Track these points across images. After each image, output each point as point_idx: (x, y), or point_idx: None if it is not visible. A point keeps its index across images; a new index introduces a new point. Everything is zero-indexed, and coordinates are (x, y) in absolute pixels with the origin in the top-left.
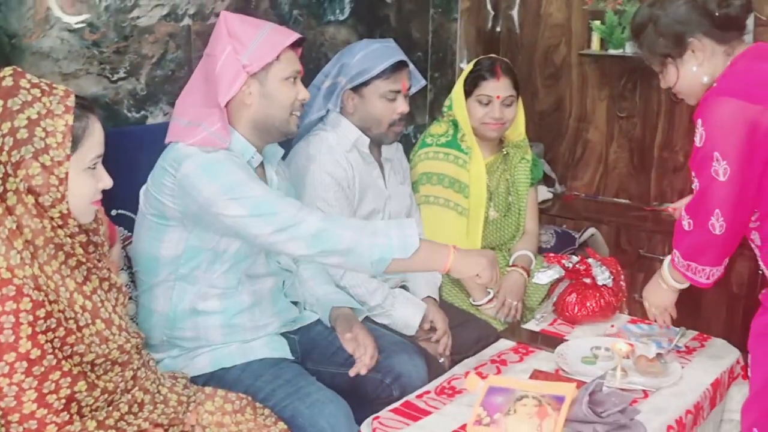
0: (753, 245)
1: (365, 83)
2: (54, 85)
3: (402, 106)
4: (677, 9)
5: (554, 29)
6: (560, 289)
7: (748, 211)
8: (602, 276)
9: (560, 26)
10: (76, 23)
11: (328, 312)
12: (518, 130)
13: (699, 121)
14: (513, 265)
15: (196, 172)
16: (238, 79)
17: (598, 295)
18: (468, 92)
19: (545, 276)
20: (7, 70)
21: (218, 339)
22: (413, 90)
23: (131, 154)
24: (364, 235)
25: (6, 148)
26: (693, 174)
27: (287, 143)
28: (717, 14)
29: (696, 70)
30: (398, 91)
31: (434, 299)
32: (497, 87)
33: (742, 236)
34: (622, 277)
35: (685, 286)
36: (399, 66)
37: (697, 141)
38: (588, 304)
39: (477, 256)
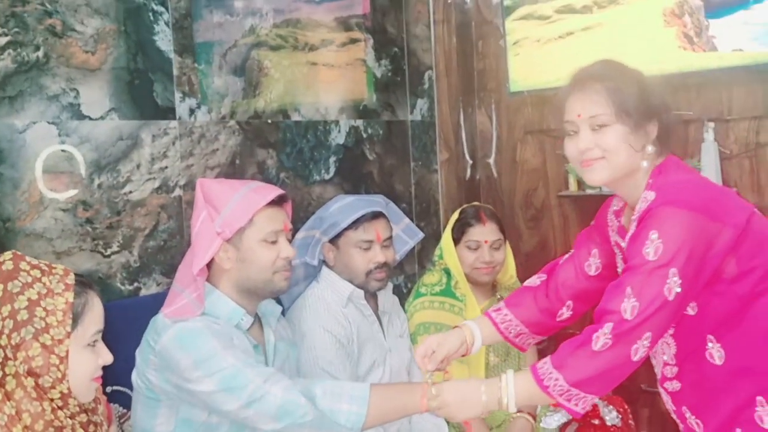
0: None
1: (339, 235)
2: (53, 265)
3: (378, 256)
4: (649, 84)
5: (531, 174)
6: None
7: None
8: (610, 416)
9: (537, 170)
10: (69, 202)
11: None
12: (509, 273)
13: (653, 233)
14: (519, 411)
15: (172, 343)
16: (212, 246)
17: None
18: (456, 240)
19: (553, 420)
20: (7, 255)
21: None
22: (412, 243)
23: (125, 328)
24: (328, 400)
25: (6, 331)
26: (628, 291)
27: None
28: (670, 113)
29: (650, 150)
30: (371, 241)
31: None
32: (484, 232)
33: None
34: (630, 415)
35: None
36: (373, 216)
37: (648, 255)
38: None
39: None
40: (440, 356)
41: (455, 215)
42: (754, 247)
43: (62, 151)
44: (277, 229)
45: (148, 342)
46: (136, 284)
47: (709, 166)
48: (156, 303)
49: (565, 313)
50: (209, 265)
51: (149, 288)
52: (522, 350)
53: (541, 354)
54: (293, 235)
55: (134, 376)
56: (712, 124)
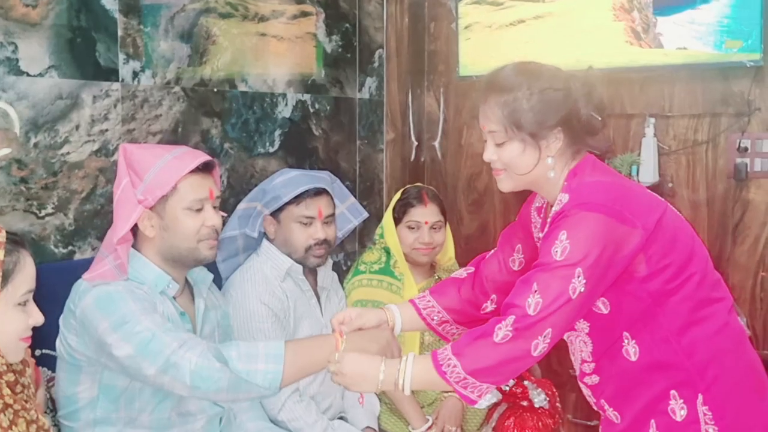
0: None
1: (281, 209)
2: None
3: (318, 232)
4: (553, 92)
5: (476, 158)
6: (498, 413)
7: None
8: (539, 398)
9: (481, 155)
10: (2, 160)
11: None
12: (448, 255)
13: (563, 233)
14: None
15: (91, 307)
16: (133, 214)
17: (536, 417)
18: (397, 219)
19: (483, 400)
20: None
21: None
22: (356, 222)
23: (57, 291)
24: (243, 362)
25: None
26: (534, 287)
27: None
28: (582, 117)
29: (551, 162)
30: (312, 217)
31: (374, 429)
32: (425, 213)
33: None
34: (558, 398)
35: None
36: (315, 193)
37: (557, 254)
38: (527, 428)
39: (368, 342)
40: (355, 326)
41: (397, 195)
42: (665, 247)
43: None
44: (201, 197)
45: (69, 307)
46: (70, 247)
47: (648, 161)
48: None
49: (489, 306)
50: (134, 232)
51: (84, 252)
52: (446, 340)
53: None
54: (235, 206)
55: (58, 343)
56: (653, 120)
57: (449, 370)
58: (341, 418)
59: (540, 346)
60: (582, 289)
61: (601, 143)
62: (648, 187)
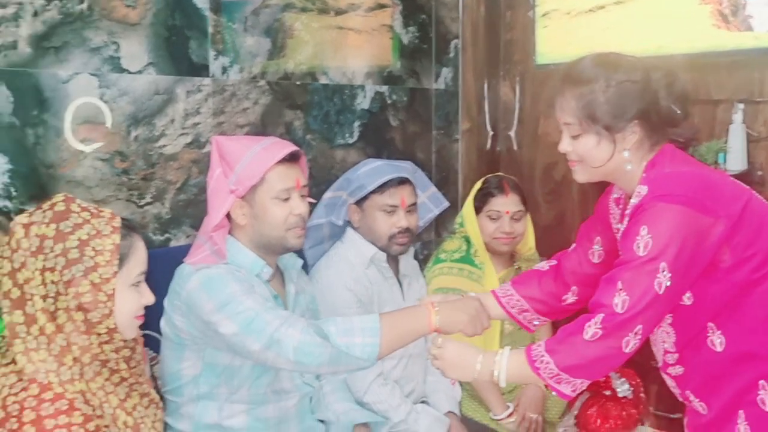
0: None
1: (365, 197)
2: (101, 209)
3: (401, 221)
4: (631, 84)
5: (552, 148)
6: (580, 402)
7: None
8: (622, 388)
9: (557, 145)
10: (107, 153)
11: (350, 431)
12: (528, 245)
13: (644, 228)
14: None
15: (197, 289)
16: (226, 203)
17: (619, 407)
18: (478, 209)
19: None
20: (59, 197)
21: None
22: (437, 211)
23: (155, 276)
24: (342, 337)
25: (58, 267)
26: (620, 285)
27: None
28: (663, 109)
29: (627, 156)
30: (395, 206)
31: (455, 414)
32: (506, 203)
33: None
34: (642, 388)
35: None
36: (398, 182)
37: (640, 250)
38: (610, 417)
39: (459, 312)
40: None
41: (478, 184)
42: (750, 235)
43: (95, 103)
44: (288, 187)
45: (174, 290)
46: (166, 235)
47: (736, 148)
48: (185, 254)
49: (570, 297)
50: (229, 219)
51: (179, 239)
52: (528, 330)
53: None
54: (321, 195)
55: (163, 323)
56: (741, 106)
57: (542, 367)
58: (423, 401)
59: (631, 342)
60: (668, 283)
61: (686, 132)
62: (736, 176)
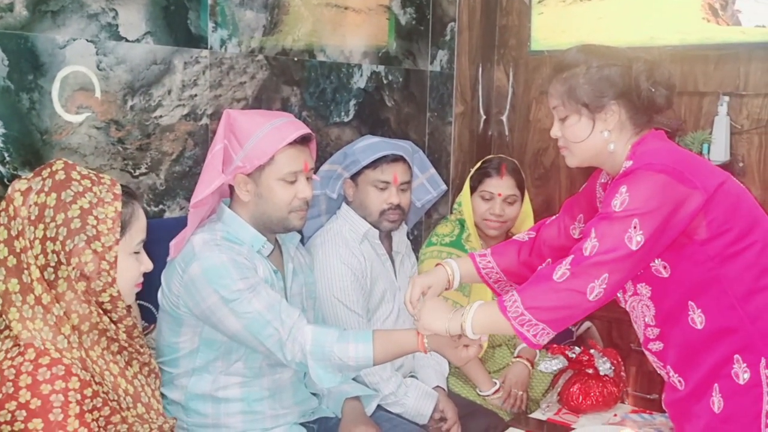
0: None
1: (359, 172)
2: (101, 175)
3: (393, 197)
4: (610, 68)
5: (543, 133)
6: (564, 379)
7: (624, 285)
8: (604, 367)
9: (549, 131)
10: (103, 122)
11: (341, 404)
12: (525, 229)
13: (623, 187)
14: (518, 357)
15: (200, 277)
16: (215, 182)
17: (601, 385)
18: (473, 188)
19: (550, 365)
20: (59, 164)
21: (239, 426)
22: (434, 194)
23: (149, 246)
24: (338, 347)
25: (60, 237)
26: (593, 234)
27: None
28: (643, 92)
29: (606, 135)
30: (388, 182)
31: (443, 389)
32: (500, 185)
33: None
34: (623, 367)
35: (476, 338)
36: (393, 159)
37: (616, 206)
38: (592, 394)
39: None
40: (424, 294)
41: (478, 164)
42: (727, 212)
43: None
44: (296, 170)
45: (176, 267)
46: (161, 206)
47: (720, 139)
48: (179, 226)
49: None
50: (232, 194)
51: (173, 211)
52: (498, 295)
53: None
54: (316, 173)
55: (160, 296)
56: (726, 98)
57: (509, 305)
58: (412, 376)
59: (596, 290)
60: (639, 239)
61: (672, 123)
62: (719, 166)
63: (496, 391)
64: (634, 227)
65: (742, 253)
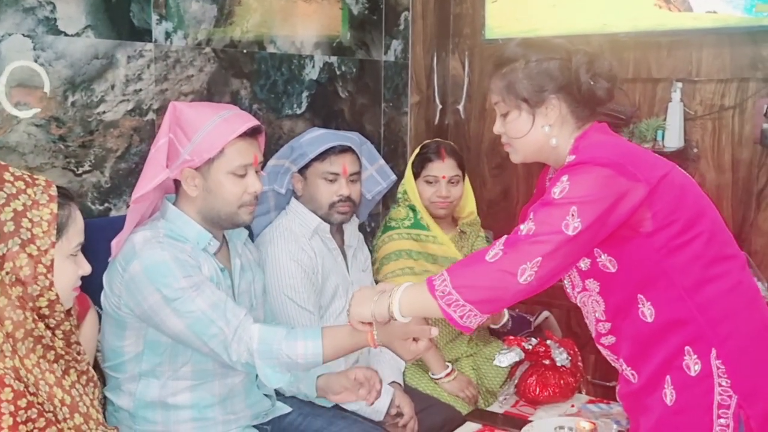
0: (606, 349)
1: (307, 165)
2: (35, 177)
3: (342, 189)
4: (549, 62)
5: None
6: (521, 371)
7: (558, 275)
8: (561, 357)
9: None
10: (42, 118)
11: (314, 383)
12: (468, 209)
13: (565, 177)
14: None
15: (141, 276)
16: (157, 177)
17: (557, 376)
18: (416, 174)
19: (506, 358)
20: None
21: None
22: (385, 185)
23: (94, 247)
24: (286, 346)
25: None
26: (531, 217)
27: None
28: (583, 85)
29: (548, 130)
30: (337, 174)
31: (399, 384)
32: (442, 167)
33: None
34: (579, 357)
35: (407, 320)
36: (341, 150)
37: (555, 193)
38: (549, 386)
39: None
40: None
41: (417, 150)
42: (671, 204)
43: (31, 67)
44: (246, 163)
45: (116, 267)
46: (106, 204)
47: (673, 126)
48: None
49: None
50: (178, 189)
51: (119, 209)
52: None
53: None
54: (263, 166)
55: (103, 298)
56: (680, 85)
57: (438, 283)
58: None
59: (527, 272)
60: (577, 226)
61: (625, 108)
62: (673, 152)
63: (448, 374)
64: (572, 215)
65: (689, 245)
